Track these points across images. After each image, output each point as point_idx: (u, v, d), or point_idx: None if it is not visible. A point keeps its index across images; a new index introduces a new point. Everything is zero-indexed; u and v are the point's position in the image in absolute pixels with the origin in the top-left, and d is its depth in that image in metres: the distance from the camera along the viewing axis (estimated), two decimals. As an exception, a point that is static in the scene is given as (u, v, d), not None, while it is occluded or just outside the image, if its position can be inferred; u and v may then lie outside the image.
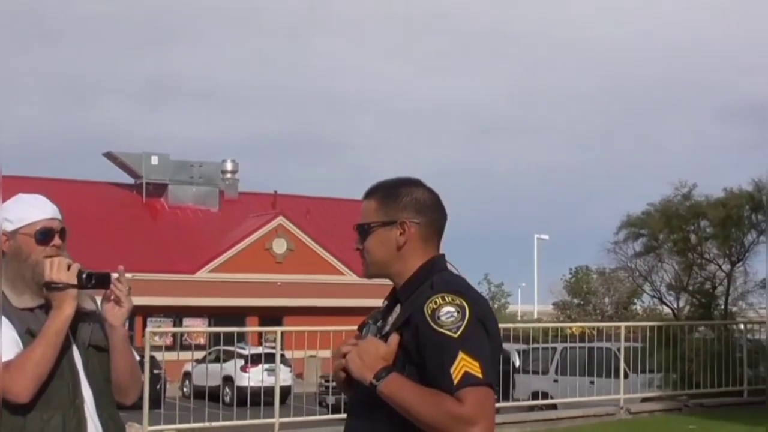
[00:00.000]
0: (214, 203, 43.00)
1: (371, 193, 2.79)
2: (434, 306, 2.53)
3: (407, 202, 2.72)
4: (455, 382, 2.45)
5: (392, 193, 2.75)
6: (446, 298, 2.54)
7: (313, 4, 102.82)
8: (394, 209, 2.72)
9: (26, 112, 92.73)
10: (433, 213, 2.76)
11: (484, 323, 2.56)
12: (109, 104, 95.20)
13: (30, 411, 2.94)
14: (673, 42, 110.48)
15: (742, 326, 17.80)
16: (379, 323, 2.75)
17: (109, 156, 42.58)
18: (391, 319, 2.70)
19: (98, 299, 3.20)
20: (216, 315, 36.04)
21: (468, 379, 2.45)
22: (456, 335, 2.48)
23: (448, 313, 2.51)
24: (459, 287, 2.62)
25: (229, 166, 44.27)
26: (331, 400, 14.76)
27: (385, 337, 2.64)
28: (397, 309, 2.70)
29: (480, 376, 2.46)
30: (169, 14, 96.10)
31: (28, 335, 2.98)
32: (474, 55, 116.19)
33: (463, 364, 2.46)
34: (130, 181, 42.78)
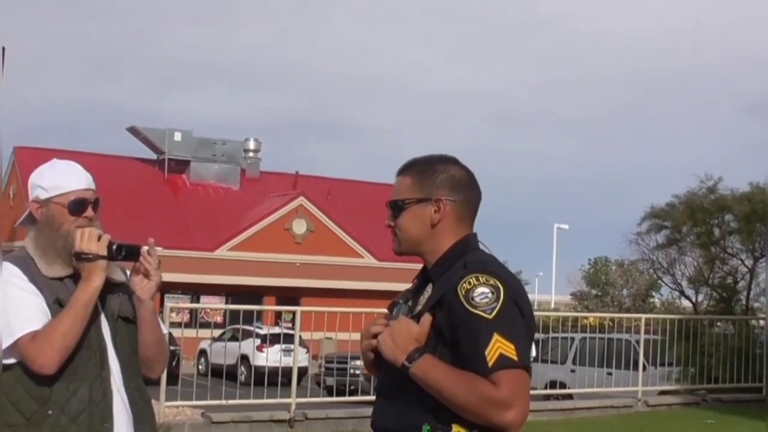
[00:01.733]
0: (236, 181, 43.03)
1: (406, 169, 2.74)
2: (468, 286, 2.49)
3: (443, 179, 2.68)
4: (490, 364, 2.41)
5: (428, 169, 2.70)
6: (480, 278, 2.51)
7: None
8: (430, 186, 2.68)
9: (52, 84, 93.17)
10: (468, 191, 2.72)
11: (518, 304, 2.52)
12: (133, 79, 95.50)
13: (56, 381, 2.93)
14: (699, 35, 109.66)
15: (762, 322, 17.67)
16: (410, 303, 2.71)
17: (133, 131, 42.65)
18: (422, 299, 2.66)
19: (128, 271, 3.18)
20: (233, 293, 36.14)
21: (503, 362, 2.41)
22: (491, 316, 2.45)
23: (482, 293, 2.48)
24: (493, 267, 2.58)
25: (251, 145, 44.26)
26: (330, 381, 14.82)
27: (416, 317, 2.60)
28: (429, 288, 2.66)
29: (515, 358, 2.43)
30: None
31: (56, 305, 2.97)
32: (497, 42, 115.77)
33: (498, 346, 2.42)
34: (153, 156, 42.84)
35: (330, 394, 14.40)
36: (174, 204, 40.54)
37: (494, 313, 2.45)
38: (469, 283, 2.50)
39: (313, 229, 40.10)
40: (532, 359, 2.56)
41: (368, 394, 12.36)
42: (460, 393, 2.43)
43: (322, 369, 17.17)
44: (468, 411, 2.43)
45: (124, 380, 3.08)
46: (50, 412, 2.92)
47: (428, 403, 2.49)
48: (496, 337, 2.43)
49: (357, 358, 17.30)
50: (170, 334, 14.87)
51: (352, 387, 14.11)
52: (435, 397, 2.47)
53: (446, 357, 2.50)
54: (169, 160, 41.81)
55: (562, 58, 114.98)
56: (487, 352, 2.42)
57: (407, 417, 2.53)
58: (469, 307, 2.47)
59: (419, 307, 2.64)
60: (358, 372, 15.56)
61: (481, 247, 2.73)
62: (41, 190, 3.09)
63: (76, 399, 2.94)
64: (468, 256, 2.62)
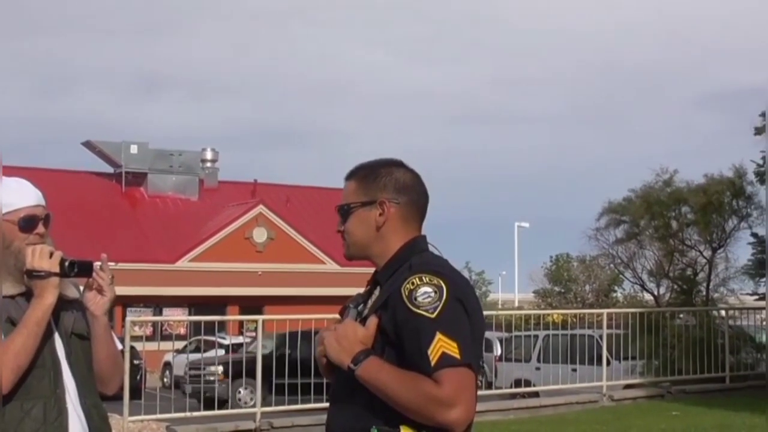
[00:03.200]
0: (194, 192, 42.82)
1: (352, 175, 2.77)
2: (411, 287, 2.50)
3: (387, 182, 2.71)
4: (432, 363, 2.41)
5: (372, 173, 2.73)
6: (424, 278, 2.51)
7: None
8: (374, 189, 2.70)
9: (3, 100, 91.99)
10: (413, 193, 2.74)
11: (463, 303, 2.52)
12: (87, 93, 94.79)
13: (9, 401, 2.90)
14: (654, 30, 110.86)
15: (723, 312, 17.88)
16: (360, 307, 2.72)
17: (88, 145, 42.29)
18: (371, 302, 2.67)
19: (81, 287, 3.15)
20: (196, 304, 35.92)
21: (446, 360, 2.41)
22: (433, 316, 2.45)
23: (425, 293, 2.48)
24: (437, 267, 2.59)
25: (208, 155, 44.08)
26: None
27: (364, 321, 2.61)
28: (377, 291, 2.68)
29: (458, 356, 2.42)
30: (150, 3, 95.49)
31: (8, 324, 2.94)
32: (453, 43, 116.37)
33: (441, 345, 2.42)
34: (110, 170, 42.51)
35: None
36: (133, 217, 40.24)
37: (437, 312, 2.45)
38: (412, 283, 2.50)
39: (273, 236, 40.00)
40: (496, 358, 2.57)
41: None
42: (404, 393, 2.43)
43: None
44: (413, 411, 2.43)
45: (80, 398, 3.05)
46: None
47: (377, 405, 2.49)
48: (438, 335, 2.43)
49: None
50: (133, 347, 14.80)
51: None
52: (382, 398, 2.48)
53: (393, 359, 2.51)
54: (126, 173, 41.52)
55: (517, 56, 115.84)
56: (429, 351, 2.42)
57: (357, 420, 2.54)
58: (412, 307, 2.47)
59: (367, 311, 2.65)
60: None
61: (431, 248, 2.74)
62: None
63: (30, 418, 2.91)
64: (414, 258, 2.63)
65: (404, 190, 2.72)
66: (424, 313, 2.46)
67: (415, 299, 2.48)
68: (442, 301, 2.47)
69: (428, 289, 2.49)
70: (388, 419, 2.48)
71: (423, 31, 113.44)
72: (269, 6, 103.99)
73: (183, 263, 38.37)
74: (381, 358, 2.52)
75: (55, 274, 2.96)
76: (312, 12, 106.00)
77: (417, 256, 2.65)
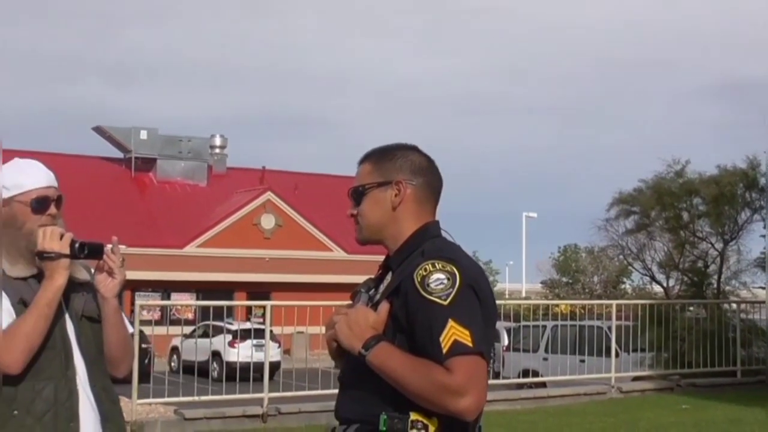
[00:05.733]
0: (203, 178, 42.87)
1: (366, 158, 2.75)
2: (424, 273, 2.47)
3: (402, 163, 2.69)
4: (444, 350, 2.39)
5: (387, 155, 2.72)
6: (437, 264, 2.48)
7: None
8: (390, 170, 2.68)
9: (16, 86, 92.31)
10: (428, 175, 2.72)
11: (475, 290, 2.50)
12: (98, 80, 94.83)
13: (21, 381, 2.91)
14: (664, 22, 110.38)
15: (735, 306, 17.72)
16: (371, 291, 2.69)
17: (98, 130, 42.36)
18: (382, 287, 2.65)
19: (92, 270, 3.14)
20: (204, 290, 35.95)
21: (458, 348, 2.39)
22: (446, 303, 2.43)
23: (437, 280, 2.45)
24: (450, 254, 2.56)
25: (217, 141, 44.11)
26: None
27: (375, 306, 2.59)
28: (389, 277, 2.65)
29: (470, 344, 2.40)
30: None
31: (21, 305, 2.95)
32: (460, 34, 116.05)
33: (453, 333, 2.40)
34: (119, 155, 42.59)
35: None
36: (142, 202, 40.32)
37: (449, 299, 2.43)
38: (425, 269, 2.48)
39: (281, 223, 40.02)
40: (503, 348, 2.55)
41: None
42: (414, 380, 2.40)
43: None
44: (423, 398, 2.41)
45: (90, 380, 3.05)
46: (16, 412, 2.91)
47: (387, 391, 2.47)
48: (450, 323, 2.40)
49: None
50: (142, 332, 14.83)
51: None
52: (392, 385, 2.45)
53: (404, 345, 2.48)
54: (136, 158, 41.60)
55: (528, 48, 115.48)
56: (441, 339, 2.40)
57: (367, 406, 2.51)
58: (425, 294, 2.44)
59: (379, 296, 2.63)
60: None
61: (444, 234, 2.71)
62: (3, 189, 3.05)
63: (41, 399, 2.92)
64: (426, 244, 2.60)
65: (420, 171, 2.70)
66: (436, 299, 2.44)
67: (428, 286, 2.45)
68: (455, 289, 2.45)
69: (441, 275, 2.46)
70: (398, 405, 2.46)
71: (430, 23, 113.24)
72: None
73: (191, 248, 38.44)
74: (392, 344, 2.49)
75: (66, 256, 2.96)
76: (319, 3, 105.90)
77: (430, 242, 2.62)
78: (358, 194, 2.70)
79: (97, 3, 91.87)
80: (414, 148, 2.75)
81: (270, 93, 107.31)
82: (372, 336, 2.50)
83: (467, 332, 2.41)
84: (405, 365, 2.43)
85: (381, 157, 2.71)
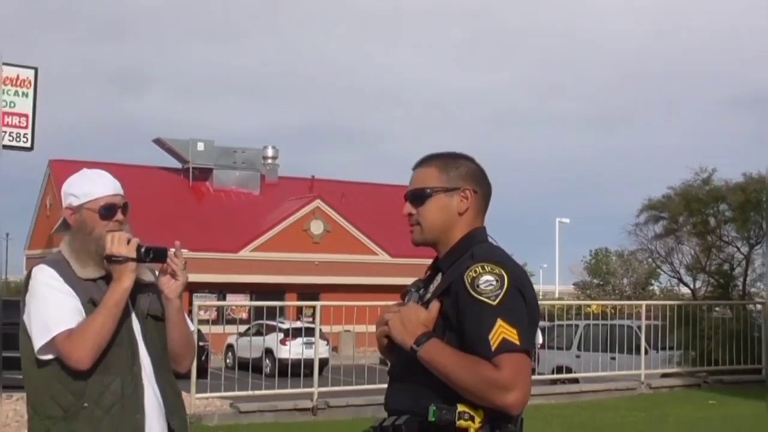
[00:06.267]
0: (256, 187, 43.07)
1: (430, 161, 2.72)
2: (474, 275, 2.48)
3: (468, 172, 2.69)
4: (493, 348, 2.40)
5: (453, 162, 2.70)
6: (486, 267, 2.49)
7: (349, 6, 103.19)
8: (456, 177, 2.67)
9: (83, 101, 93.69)
10: (486, 186, 2.74)
11: (521, 292, 2.50)
12: (158, 95, 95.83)
13: (91, 376, 2.94)
14: (691, 35, 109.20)
15: (760, 306, 17.48)
16: (421, 291, 2.70)
17: (159, 142, 42.75)
18: (432, 287, 2.66)
19: (156, 272, 3.17)
20: (257, 291, 36.12)
21: (506, 346, 2.40)
22: (494, 303, 2.43)
23: (487, 281, 2.46)
24: (498, 257, 2.57)
25: (270, 152, 44.33)
26: None
27: (426, 305, 2.59)
28: (439, 277, 2.66)
29: (517, 342, 2.41)
30: (216, 12, 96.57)
31: (90, 304, 2.98)
32: (496, 47, 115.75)
33: (501, 331, 2.41)
34: (178, 165, 42.93)
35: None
36: (199, 209, 40.59)
37: (498, 299, 2.44)
38: (475, 271, 2.48)
39: (329, 229, 40.10)
40: (538, 346, 2.55)
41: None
42: (464, 375, 2.41)
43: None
44: (471, 393, 2.41)
45: (155, 374, 3.08)
46: (86, 404, 2.93)
47: (436, 385, 2.47)
48: (499, 322, 2.41)
49: None
50: (199, 330, 14.92)
51: None
52: (441, 379, 2.46)
53: (453, 342, 2.49)
54: (193, 168, 41.91)
55: (560, 60, 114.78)
56: (490, 337, 2.40)
57: (416, 398, 2.51)
58: (475, 294, 2.45)
59: (429, 295, 2.63)
60: None
61: (490, 239, 2.71)
62: (73, 197, 3.09)
63: (109, 392, 2.95)
64: (475, 248, 2.61)
65: (482, 181, 2.72)
66: (486, 300, 2.44)
67: (478, 287, 2.46)
68: (503, 290, 2.45)
69: (490, 277, 2.47)
70: (446, 397, 2.46)
71: (467, 38, 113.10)
72: (321, 16, 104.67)
73: (245, 253, 38.64)
74: (442, 341, 2.49)
75: (132, 259, 2.99)
76: (365, 25, 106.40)
77: (478, 246, 2.62)
78: (421, 196, 2.68)
79: (157, 25, 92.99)
80: (473, 159, 2.75)
81: (319, 107, 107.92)
82: (423, 332, 2.51)
83: (515, 331, 2.42)
84: (454, 361, 2.44)
85: (447, 163, 2.70)
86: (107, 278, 3.02)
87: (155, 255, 3.06)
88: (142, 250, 3.02)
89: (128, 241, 3.00)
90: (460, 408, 2.44)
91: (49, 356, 2.93)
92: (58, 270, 3.00)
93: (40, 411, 2.97)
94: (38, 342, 2.92)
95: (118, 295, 2.95)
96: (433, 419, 2.44)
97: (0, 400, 10.08)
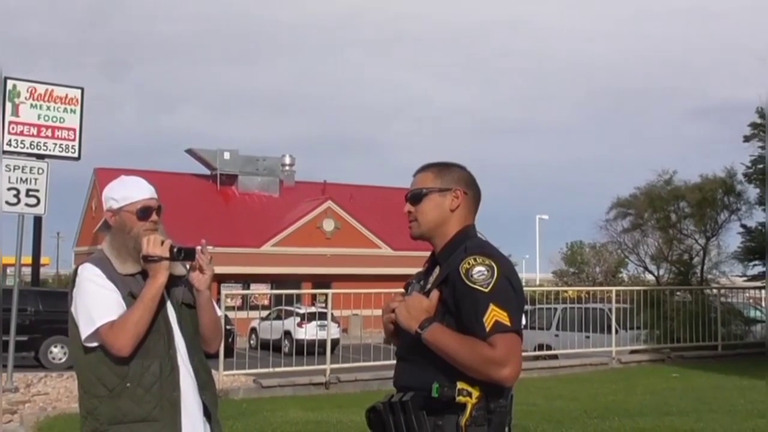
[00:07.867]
0: (276, 190, 43.07)
1: (428, 167, 2.76)
2: (468, 266, 2.49)
3: (459, 176, 2.72)
4: (487, 329, 2.41)
5: (447, 167, 2.74)
6: (478, 259, 2.51)
7: (356, 33, 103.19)
8: (449, 180, 2.70)
9: (124, 116, 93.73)
10: (475, 189, 2.76)
11: (509, 280, 2.52)
12: (189, 110, 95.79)
13: (132, 359, 2.92)
14: (655, 55, 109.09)
15: (716, 291, 17.51)
16: (421, 282, 2.71)
17: (190, 152, 42.76)
18: (431, 279, 2.67)
19: (187, 265, 3.15)
20: (277, 281, 36.10)
21: (498, 327, 2.41)
22: (487, 290, 2.45)
23: (479, 271, 2.48)
24: (488, 250, 2.58)
25: (287, 160, 44.30)
26: None
27: (427, 294, 2.60)
28: (437, 270, 2.67)
29: (509, 324, 2.43)
30: (242, 39, 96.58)
31: (130, 297, 2.96)
32: (485, 69, 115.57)
33: (494, 314, 2.42)
34: (207, 172, 42.92)
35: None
36: (226, 210, 40.61)
37: (490, 287, 2.45)
38: (469, 263, 2.50)
39: (340, 226, 40.10)
40: (522, 326, 2.54)
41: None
42: (463, 354, 2.42)
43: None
44: (470, 369, 2.42)
45: (189, 355, 3.06)
46: (128, 384, 2.92)
47: (438, 363, 2.48)
48: (492, 306, 2.43)
49: None
50: (226, 316, 14.92)
51: None
52: (443, 358, 2.47)
53: (452, 325, 2.50)
54: (221, 175, 41.90)
55: (547, 79, 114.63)
56: (484, 319, 2.42)
57: (421, 376, 2.52)
58: (469, 283, 2.47)
59: (429, 286, 2.64)
60: None
61: (479, 235, 2.72)
62: (113, 201, 3.07)
63: (149, 373, 2.94)
64: (468, 242, 2.62)
65: (471, 185, 2.74)
66: (479, 287, 2.45)
67: (472, 276, 2.47)
68: (494, 279, 2.47)
69: (482, 268, 2.48)
70: (447, 376, 2.47)
71: (459, 60, 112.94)
72: (332, 42, 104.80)
73: (267, 248, 38.65)
74: (443, 325, 2.50)
75: (166, 258, 2.97)
76: (368, 48, 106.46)
77: (470, 241, 2.63)
78: (418, 196, 2.70)
79: (188, 46, 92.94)
80: (464, 167, 2.78)
81: (331, 120, 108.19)
82: (426, 318, 2.52)
83: (505, 314, 2.43)
84: (455, 341, 2.44)
85: (442, 168, 2.73)
86: (144, 273, 3.00)
87: (186, 254, 3.04)
88: (175, 250, 3.00)
89: (162, 243, 2.98)
90: (460, 385, 2.45)
91: (95, 344, 2.92)
92: (100, 267, 2.98)
93: (89, 390, 2.96)
94: (85, 332, 2.90)
95: (153, 290, 2.94)
96: (436, 395, 2.44)
97: None
